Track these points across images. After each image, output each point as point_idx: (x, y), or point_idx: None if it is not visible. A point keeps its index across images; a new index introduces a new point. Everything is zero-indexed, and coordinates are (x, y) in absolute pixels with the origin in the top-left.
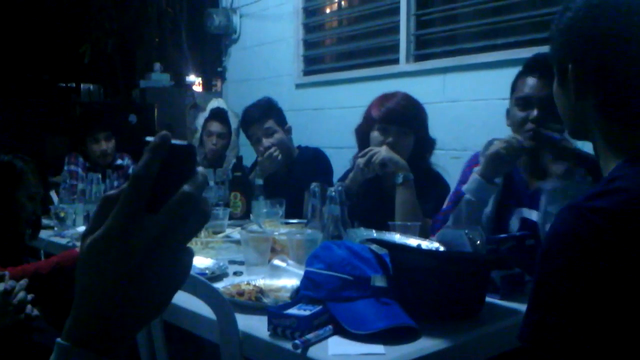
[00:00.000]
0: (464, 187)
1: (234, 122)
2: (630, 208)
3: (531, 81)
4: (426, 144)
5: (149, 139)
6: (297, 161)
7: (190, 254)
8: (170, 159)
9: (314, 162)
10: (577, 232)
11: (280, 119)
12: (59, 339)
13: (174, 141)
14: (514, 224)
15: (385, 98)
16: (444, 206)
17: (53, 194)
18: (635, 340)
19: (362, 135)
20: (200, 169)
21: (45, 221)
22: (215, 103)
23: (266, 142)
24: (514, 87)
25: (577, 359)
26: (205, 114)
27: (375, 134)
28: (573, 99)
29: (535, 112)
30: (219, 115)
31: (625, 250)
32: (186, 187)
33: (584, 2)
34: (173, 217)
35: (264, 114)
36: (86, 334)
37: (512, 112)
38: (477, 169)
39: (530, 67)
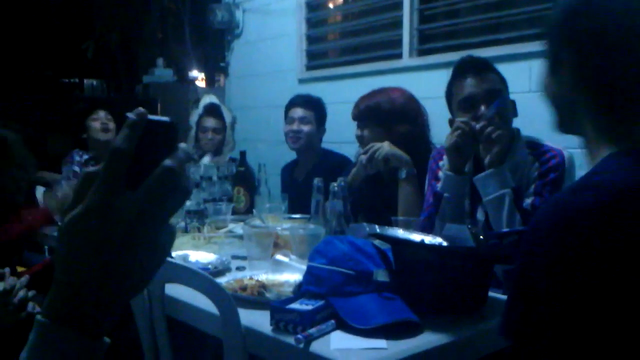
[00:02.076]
0: (439, 187)
1: (227, 117)
2: (609, 204)
3: (468, 81)
4: (419, 140)
5: (129, 115)
6: (320, 164)
7: (172, 232)
8: (150, 135)
9: (338, 169)
10: (555, 227)
11: (320, 118)
12: (38, 316)
13: (153, 117)
14: (480, 215)
15: (367, 96)
16: (424, 205)
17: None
18: (614, 337)
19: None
20: (182, 145)
21: None
22: (207, 99)
23: (296, 126)
24: (451, 95)
25: (555, 354)
26: (199, 110)
27: (357, 133)
28: (568, 89)
29: (482, 108)
30: (212, 110)
31: (603, 248)
32: (167, 162)
33: None
34: (154, 192)
35: (310, 103)
36: (65, 311)
37: (457, 118)
38: (442, 163)
39: (461, 69)
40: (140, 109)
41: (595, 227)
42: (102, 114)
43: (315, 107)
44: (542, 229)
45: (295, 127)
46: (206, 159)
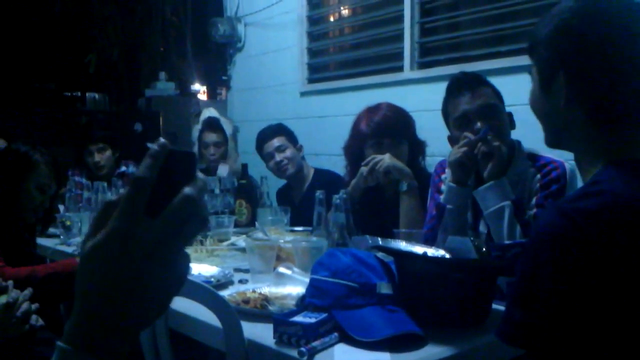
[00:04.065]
0: (442, 199)
1: (228, 129)
2: (613, 210)
3: (462, 98)
4: (417, 148)
5: (150, 145)
6: (314, 184)
7: (187, 259)
8: (170, 165)
9: (331, 187)
10: (561, 232)
11: (292, 138)
12: (59, 342)
13: (173, 147)
14: (483, 227)
15: (370, 112)
16: (427, 217)
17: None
18: (617, 338)
19: (353, 153)
20: (200, 175)
21: (51, 230)
22: (207, 113)
23: (279, 156)
24: (447, 113)
25: (556, 357)
26: (199, 126)
27: (369, 152)
28: (562, 104)
29: (478, 124)
30: (212, 124)
31: (607, 252)
32: (187, 190)
33: (574, 9)
34: (174, 220)
35: (276, 131)
36: (87, 337)
37: (454, 137)
38: (444, 176)
39: (454, 87)
40: (162, 139)
41: (601, 230)
42: (93, 148)
43: (283, 131)
44: (547, 234)
45: (278, 158)
46: (222, 170)
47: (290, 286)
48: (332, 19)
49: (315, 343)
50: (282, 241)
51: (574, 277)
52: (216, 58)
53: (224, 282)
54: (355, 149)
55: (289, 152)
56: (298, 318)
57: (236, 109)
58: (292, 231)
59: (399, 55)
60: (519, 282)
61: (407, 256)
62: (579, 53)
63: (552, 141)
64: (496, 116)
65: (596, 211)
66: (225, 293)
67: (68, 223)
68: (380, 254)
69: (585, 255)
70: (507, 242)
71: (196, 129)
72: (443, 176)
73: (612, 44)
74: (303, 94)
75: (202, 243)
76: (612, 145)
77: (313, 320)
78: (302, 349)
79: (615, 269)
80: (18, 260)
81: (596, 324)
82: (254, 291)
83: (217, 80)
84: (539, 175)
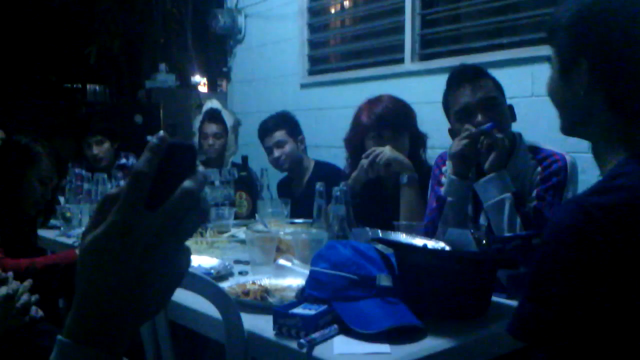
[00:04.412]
0: (443, 191)
1: (229, 121)
2: (633, 206)
3: (463, 91)
4: (418, 140)
5: (150, 138)
6: (314, 177)
7: (188, 253)
8: (170, 158)
9: (331, 179)
10: (579, 226)
11: (294, 131)
12: (59, 336)
13: (173, 140)
14: (483, 220)
15: (371, 104)
16: (427, 210)
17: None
18: (633, 335)
19: (354, 145)
20: (200, 167)
21: (52, 221)
22: (209, 104)
23: (277, 152)
24: (447, 106)
25: (569, 354)
26: (201, 117)
27: (370, 144)
28: (582, 92)
29: (479, 117)
30: (212, 115)
31: (625, 247)
32: (187, 183)
33: None
34: (173, 213)
35: (278, 124)
36: (87, 330)
37: (455, 129)
38: (445, 169)
39: (455, 79)
40: (162, 132)
41: (619, 225)
42: (92, 140)
43: (285, 122)
44: (565, 229)
45: (276, 154)
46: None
47: (290, 278)
48: (332, 11)
49: (315, 335)
50: (282, 233)
51: (590, 272)
52: (216, 50)
53: (224, 274)
54: (356, 141)
55: (287, 148)
56: (298, 310)
57: (236, 101)
58: (292, 223)
59: (400, 47)
60: (533, 277)
61: (407, 248)
62: (601, 39)
63: (569, 129)
64: (497, 109)
65: (614, 206)
66: (225, 285)
67: (68, 214)
68: (380, 246)
69: (602, 251)
70: (507, 234)
71: (197, 119)
72: (444, 168)
73: (634, 32)
74: (303, 85)
75: (202, 235)
76: (633, 138)
77: (313, 312)
78: (302, 340)
79: (632, 265)
80: (18, 252)
81: (612, 321)
82: (254, 283)
83: (218, 72)
84: (539, 168)
